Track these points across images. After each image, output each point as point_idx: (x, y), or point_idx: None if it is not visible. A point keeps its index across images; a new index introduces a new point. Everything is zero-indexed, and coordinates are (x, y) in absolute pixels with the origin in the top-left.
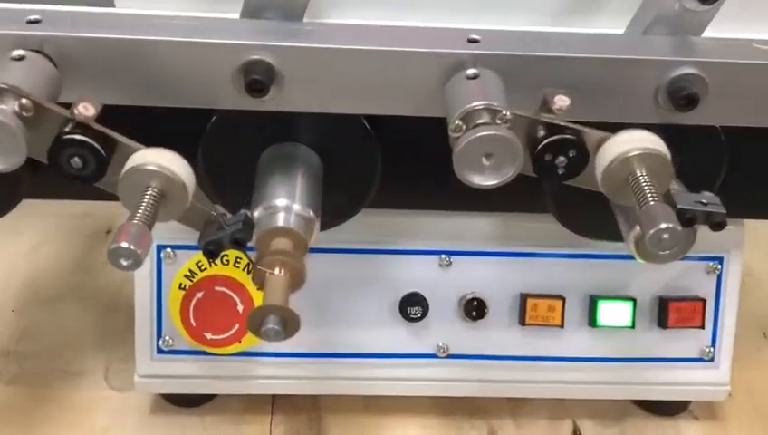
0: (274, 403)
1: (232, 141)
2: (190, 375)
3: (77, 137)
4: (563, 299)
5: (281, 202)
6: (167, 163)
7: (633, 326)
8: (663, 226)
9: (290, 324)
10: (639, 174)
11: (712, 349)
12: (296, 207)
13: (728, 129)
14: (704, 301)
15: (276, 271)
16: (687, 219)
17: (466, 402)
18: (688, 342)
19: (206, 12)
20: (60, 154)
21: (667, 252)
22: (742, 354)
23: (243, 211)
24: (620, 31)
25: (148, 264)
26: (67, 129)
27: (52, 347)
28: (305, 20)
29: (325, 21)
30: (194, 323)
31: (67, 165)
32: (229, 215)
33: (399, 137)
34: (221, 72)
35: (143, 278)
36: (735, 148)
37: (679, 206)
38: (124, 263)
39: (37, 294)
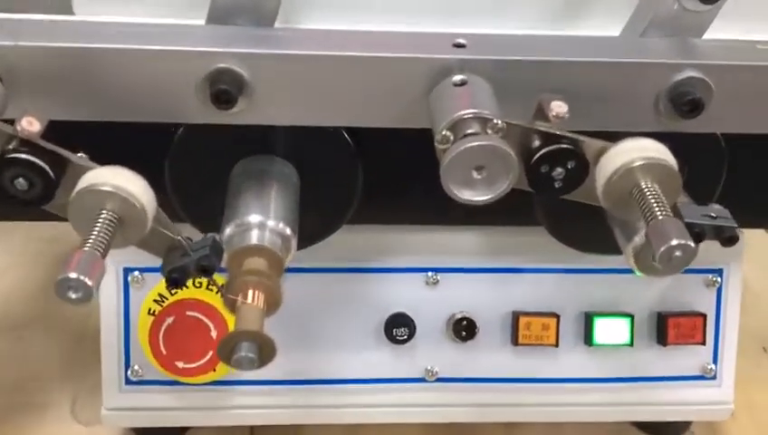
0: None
1: (201, 155)
2: (161, 407)
3: (21, 156)
4: (558, 317)
5: (254, 218)
6: (123, 183)
7: (632, 344)
8: (675, 242)
9: (264, 351)
10: (645, 186)
11: (714, 366)
12: (271, 223)
13: (726, 134)
14: (704, 316)
15: (250, 293)
16: (696, 234)
17: (458, 429)
18: (689, 359)
19: (173, 19)
20: (3, 175)
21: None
22: (742, 371)
23: (210, 235)
24: (615, 32)
25: (115, 288)
26: (11, 147)
27: (16, 378)
28: (277, 25)
29: (298, 26)
30: (164, 352)
31: (11, 186)
32: (195, 239)
33: (382, 147)
34: (184, 82)
35: (109, 304)
36: (733, 154)
37: (687, 220)
38: (73, 296)
39: (2, 321)
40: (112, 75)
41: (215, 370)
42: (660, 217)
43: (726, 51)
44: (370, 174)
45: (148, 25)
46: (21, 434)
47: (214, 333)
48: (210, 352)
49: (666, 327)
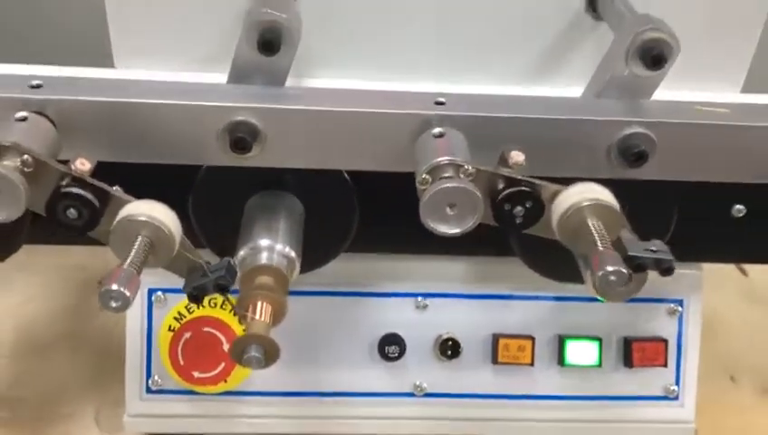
0: None
1: (220, 190)
2: (178, 414)
3: (73, 190)
4: (533, 339)
5: (264, 243)
6: (156, 214)
7: (600, 365)
8: (609, 268)
9: (270, 353)
10: (591, 223)
11: (676, 387)
12: (279, 247)
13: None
14: (666, 341)
15: (259, 305)
16: (638, 265)
17: None
18: (653, 380)
19: (199, 71)
20: (57, 206)
21: (620, 290)
22: (709, 398)
23: (226, 259)
24: (579, 90)
25: (140, 306)
26: (64, 183)
27: (44, 393)
28: (289, 80)
29: (305, 84)
30: (182, 362)
31: (63, 216)
32: (213, 262)
33: (377, 185)
34: (208, 131)
35: (134, 320)
36: (690, 195)
37: (630, 253)
38: (114, 305)
39: (30, 341)
40: (148, 125)
41: (226, 381)
42: (600, 249)
43: (669, 110)
44: (366, 208)
45: (179, 84)
46: None
47: (226, 347)
48: (222, 364)
49: (631, 350)
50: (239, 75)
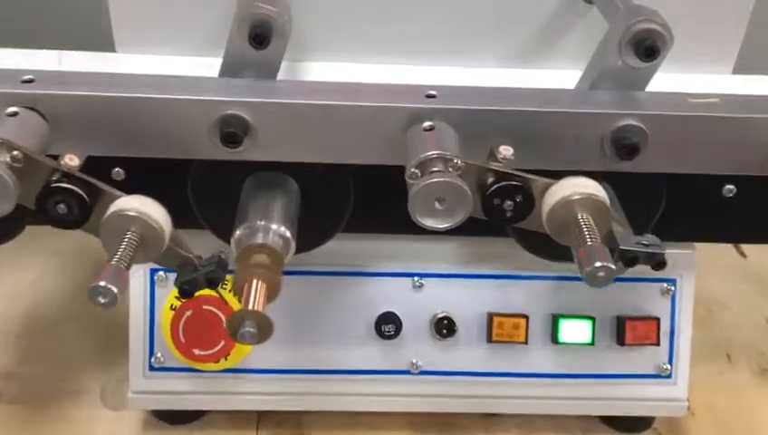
0: (260, 420)
1: (217, 172)
2: (180, 392)
3: (63, 185)
4: (527, 317)
5: (260, 222)
6: (146, 209)
7: (593, 343)
8: (599, 264)
9: (264, 329)
10: (580, 217)
11: (669, 366)
12: (274, 226)
13: None
14: (658, 319)
15: (254, 282)
16: (630, 259)
17: (440, 418)
18: (646, 359)
19: (201, 54)
20: (47, 201)
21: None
22: (706, 377)
23: (217, 253)
24: (576, 73)
25: (143, 286)
26: (54, 178)
27: (52, 370)
28: (282, 68)
29: (299, 69)
30: (183, 340)
31: (54, 211)
32: (204, 257)
33: (370, 169)
34: (199, 125)
35: (137, 299)
36: (681, 175)
37: (622, 247)
38: (102, 300)
39: (39, 320)
40: (140, 119)
41: (226, 358)
42: (589, 243)
43: (661, 102)
44: (362, 189)
45: (171, 78)
46: (57, 417)
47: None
48: (222, 342)
49: (624, 329)
50: (231, 68)
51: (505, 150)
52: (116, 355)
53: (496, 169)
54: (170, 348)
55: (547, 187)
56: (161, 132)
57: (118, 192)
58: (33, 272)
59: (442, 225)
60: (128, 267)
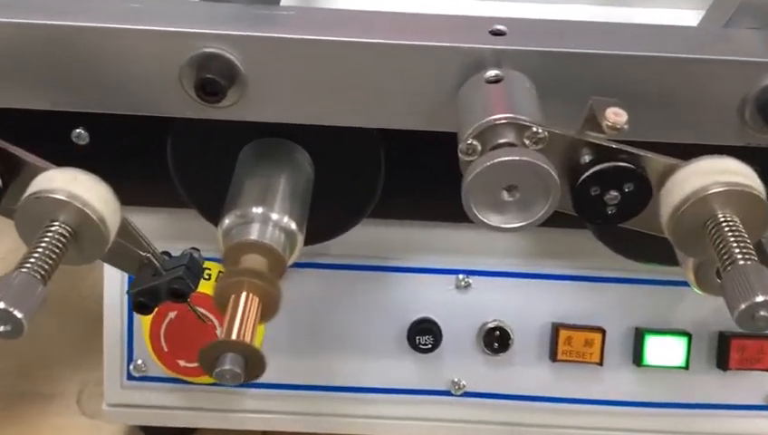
0: None
1: (207, 134)
2: (165, 406)
3: None
4: (603, 332)
5: (257, 210)
6: (80, 191)
7: (687, 367)
8: (760, 299)
9: (252, 365)
10: (723, 219)
11: None
12: (275, 216)
13: None
14: None
15: (243, 296)
16: None
17: None
18: (753, 387)
19: None
20: None
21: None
22: None
23: (187, 251)
24: (693, 21)
25: (119, 280)
26: None
27: (22, 365)
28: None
29: (308, 4)
30: (165, 349)
31: None
32: (168, 257)
33: (408, 135)
34: (165, 69)
35: (113, 294)
36: None
37: None
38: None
39: None
40: (83, 58)
41: None
42: (741, 263)
43: None
44: (395, 163)
45: (134, 6)
46: (25, 423)
47: (219, 331)
48: None
49: (728, 349)
50: None
51: (616, 115)
52: (97, 351)
53: (597, 142)
54: (152, 356)
55: (671, 171)
56: (113, 78)
57: (44, 163)
58: (7, 245)
59: (512, 223)
60: (45, 278)
